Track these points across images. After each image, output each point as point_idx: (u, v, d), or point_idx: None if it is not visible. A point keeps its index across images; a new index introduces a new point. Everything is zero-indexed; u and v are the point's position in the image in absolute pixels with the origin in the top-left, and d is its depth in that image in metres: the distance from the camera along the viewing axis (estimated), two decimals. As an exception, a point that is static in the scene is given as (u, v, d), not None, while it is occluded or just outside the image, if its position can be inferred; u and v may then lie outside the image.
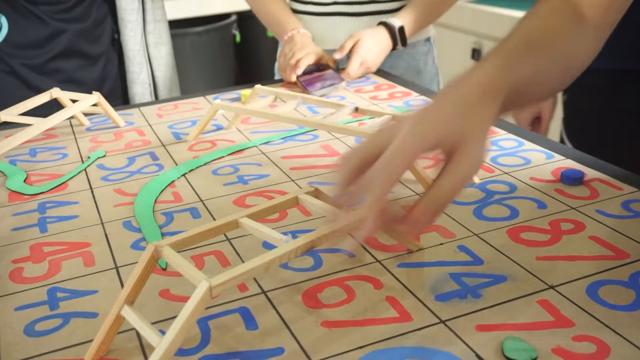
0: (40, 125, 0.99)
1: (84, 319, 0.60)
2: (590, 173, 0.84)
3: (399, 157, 0.50)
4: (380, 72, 1.41)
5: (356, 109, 0.98)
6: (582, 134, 1.53)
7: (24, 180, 0.94)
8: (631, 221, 0.72)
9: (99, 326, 0.55)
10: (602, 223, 0.72)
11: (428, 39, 1.60)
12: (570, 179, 0.81)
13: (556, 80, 0.69)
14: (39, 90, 1.26)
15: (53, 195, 0.89)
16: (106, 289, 0.65)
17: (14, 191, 0.90)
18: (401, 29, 1.40)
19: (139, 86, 1.50)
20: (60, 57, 1.35)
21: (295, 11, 1.55)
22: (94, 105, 1.13)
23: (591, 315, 0.57)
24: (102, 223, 0.80)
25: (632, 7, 0.71)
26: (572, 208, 0.76)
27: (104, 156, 1.02)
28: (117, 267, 0.69)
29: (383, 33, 1.39)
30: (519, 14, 2.45)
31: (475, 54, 2.72)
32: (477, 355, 0.52)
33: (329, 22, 1.51)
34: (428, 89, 1.39)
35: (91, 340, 0.56)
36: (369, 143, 0.55)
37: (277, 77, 1.54)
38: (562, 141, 1.49)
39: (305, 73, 1.32)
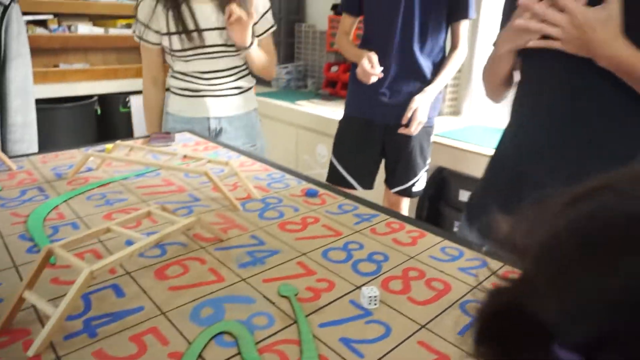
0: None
1: (-9, 304, 0.51)
2: (322, 191, 0.91)
3: None
4: (198, 135, 1.37)
5: (184, 156, 0.95)
6: None
7: None
8: (342, 215, 0.80)
9: (4, 308, 0.48)
10: (328, 217, 0.79)
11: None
12: (310, 194, 0.88)
13: None
14: None
15: (-42, 219, 0.73)
16: (8, 282, 0.56)
17: None
18: None
19: None
20: None
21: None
22: (-9, 155, 0.96)
23: (326, 268, 0.62)
24: (1, 236, 0.68)
25: None
26: (312, 210, 0.82)
27: (1, 190, 0.87)
28: (16, 266, 0.60)
29: None
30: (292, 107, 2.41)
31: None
32: (264, 297, 0.55)
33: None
34: (231, 145, 1.35)
35: (-2, 318, 0.48)
36: None
37: (136, 135, 1.42)
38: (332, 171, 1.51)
39: (156, 136, 1.24)
